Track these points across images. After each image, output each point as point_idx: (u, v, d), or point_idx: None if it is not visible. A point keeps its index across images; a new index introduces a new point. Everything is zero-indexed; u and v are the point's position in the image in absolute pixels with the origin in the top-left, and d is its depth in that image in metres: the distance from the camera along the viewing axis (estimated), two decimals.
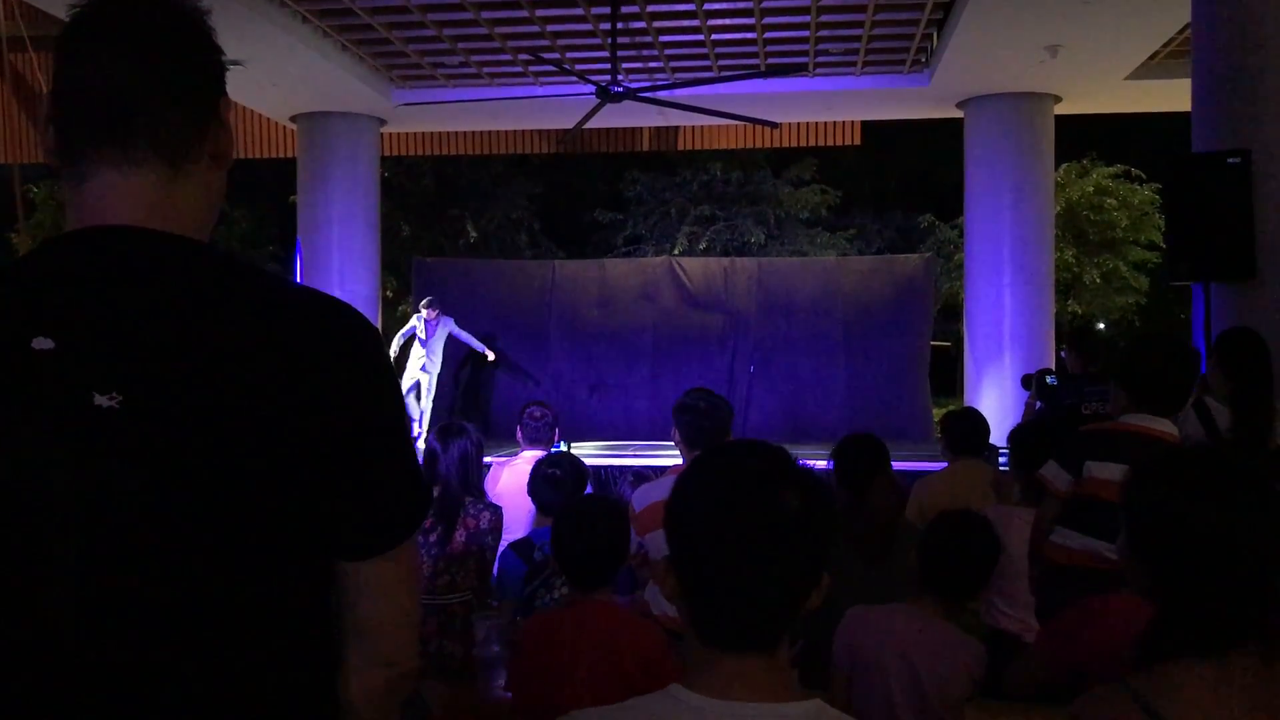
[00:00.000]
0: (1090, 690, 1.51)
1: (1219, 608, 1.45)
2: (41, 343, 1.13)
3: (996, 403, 10.97)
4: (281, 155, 14.05)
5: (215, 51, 1.29)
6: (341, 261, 12.52)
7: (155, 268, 1.18)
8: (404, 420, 1.30)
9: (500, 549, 3.94)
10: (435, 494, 3.74)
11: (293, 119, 12.77)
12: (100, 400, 1.12)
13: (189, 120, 1.25)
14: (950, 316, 20.72)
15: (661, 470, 6.34)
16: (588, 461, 4.51)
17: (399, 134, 14.28)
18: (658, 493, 3.63)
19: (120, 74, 1.21)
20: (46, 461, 1.13)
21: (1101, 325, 22.36)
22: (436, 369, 11.62)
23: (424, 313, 11.58)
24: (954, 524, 2.86)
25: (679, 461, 3.98)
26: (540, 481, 4.04)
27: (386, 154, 14.11)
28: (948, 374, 21.21)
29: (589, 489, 4.48)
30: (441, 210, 23.83)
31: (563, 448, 5.74)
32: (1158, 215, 19.20)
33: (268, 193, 21.16)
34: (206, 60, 1.28)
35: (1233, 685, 1.41)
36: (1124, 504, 1.57)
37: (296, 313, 1.21)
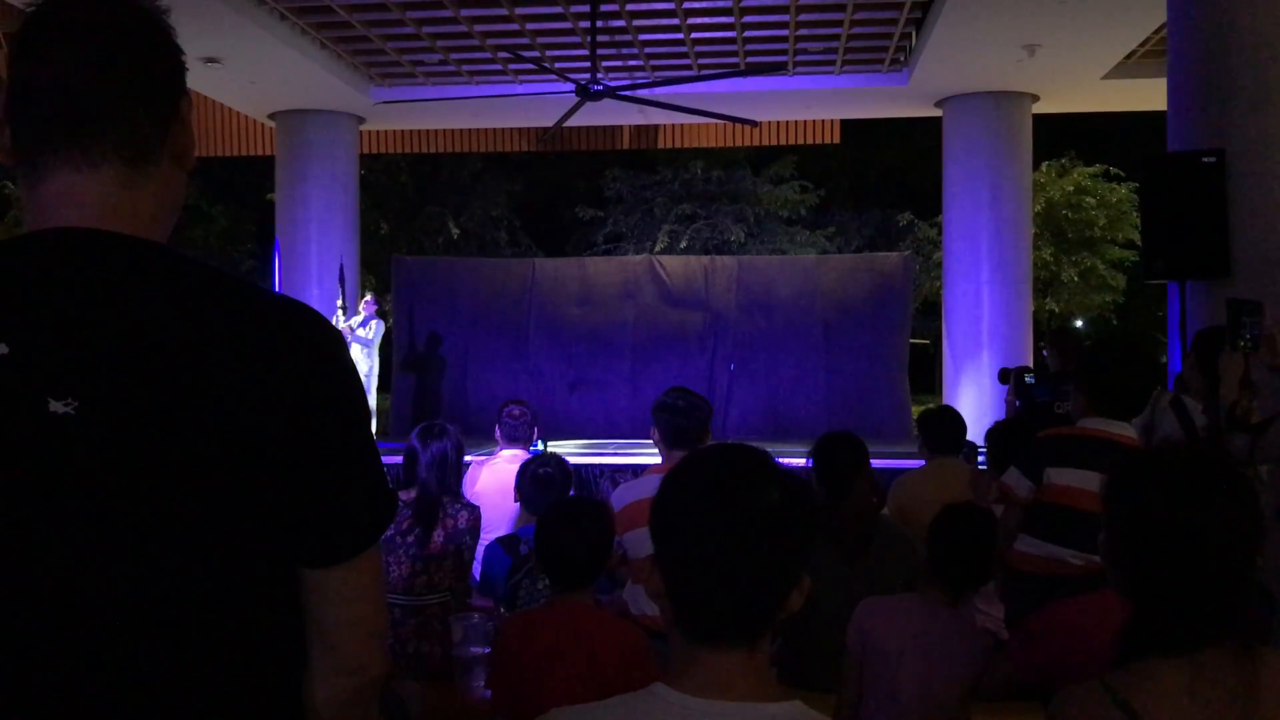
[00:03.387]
0: (1067, 688, 1.52)
1: (1194, 605, 1.47)
2: None
3: (975, 400, 11.03)
4: (260, 153, 13.98)
5: (176, 50, 1.26)
6: (320, 260, 12.47)
7: (114, 271, 1.16)
8: (366, 426, 1.27)
9: (485, 545, 3.93)
10: (413, 495, 3.73)
11: (271, 117, 12.71)
12: (55, 406, 1.10)
13: (151, 120, 1.22)
14: (929, 314, 20.77)
15: (640, 470, 6.34)
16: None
17: (378, 132, 14.24)
18: (637, 492, 3.62)
19: (81, 73, 1.18)
20: (1, 468, 1.11)
21: (1079, 323, 22.49)
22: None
23: (364, 309, 11.54)
24: (960, 515, 2.93)
25: (659, 460, 3.98)
26: (529, 481, 4.02)
27: (365, 152, 14.06)
28: (926, 372, 21.28)
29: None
30: (420, 208, 23.75)
31: (540, 446, 5.73)
32: (1135, 214, 19.31)
33: (246, 191, 21.04)
34: (168, 59, 1.25)
35: (1208, 682, 1.42)
36: (1103, 502, 1.59)
37: (256, 317, 1.18)
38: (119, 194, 1.20)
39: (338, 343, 1.24)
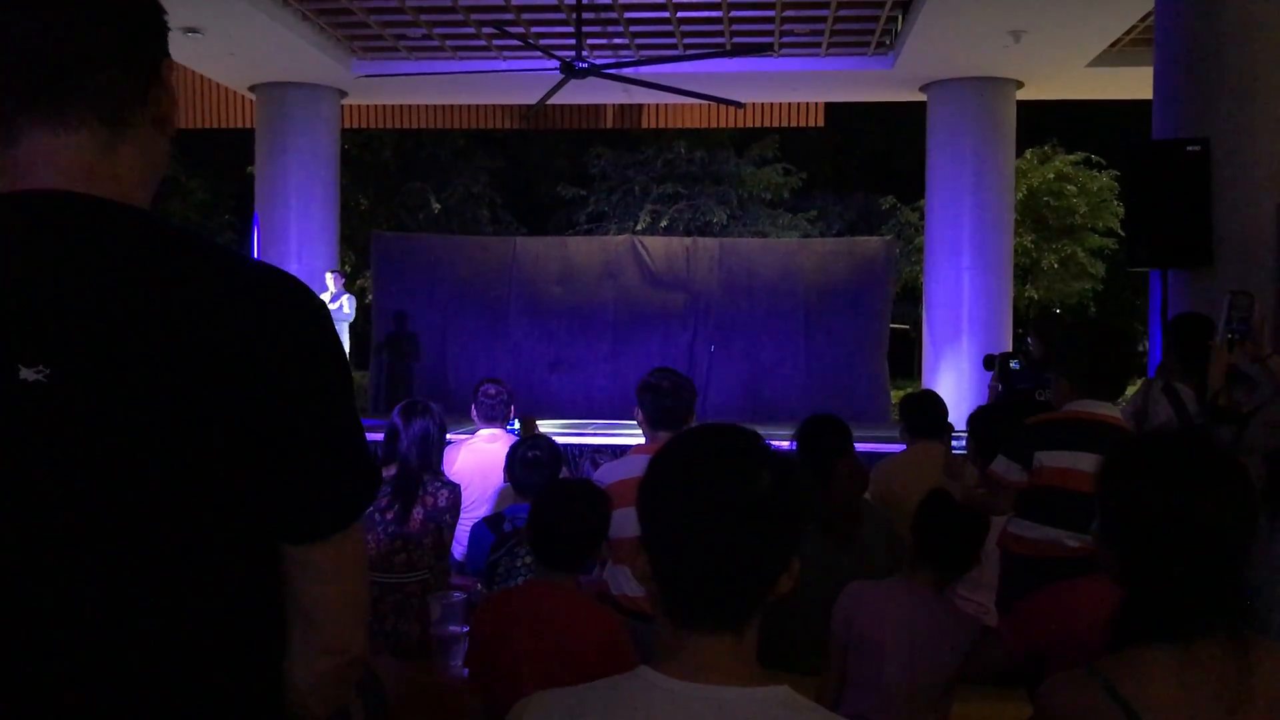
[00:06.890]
0: (1056, 674, 1.51)
1: (1187, 594, 1.46)
2: None
3: (954, 385, 11.07)
4: (239, 125, 13.83)
5: (157, 10, 1.22)
6: (299, 235, 12.38)
7: (88, 235, 1.12)
8: (349, 398, 1.23)
9: (471, 525, 3.91)
10: (394, 472, 3.70)
11: (251, 89, 12.58)
12: (26, 374, 1.06)
13: (128, 80, 1.18)
14: (909, 299, 20.81)
15: (622, 450, 6.32)
16: None
17: (359, 106, 14.12)
18: (619, 472, 3.60)
19: (54, 30, 1.13)
20: None
21: (1058, 310, 22.53)
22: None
23: (334, 284, 11.55)
24: (946, 500, 2.92)
25: (641, 440, 3.95)
26: (519, 464, 4.01)
27: (346, 126, 13.94)
28: (905, 357, 21.35)
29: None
30: (401, 184, 23.59)
31: (516, 425, 5.71)
32: (1116, 202, 19.37)
33: (225, 164, 20.83)
34: (147, 18, 1.21)
35: (1198, 671, 1.41)
36: (1097, 488, 1.57)
37: (236, 284, 1.14)
38: (96, 157, 1.16)
39: (321, 312, 1.20)
